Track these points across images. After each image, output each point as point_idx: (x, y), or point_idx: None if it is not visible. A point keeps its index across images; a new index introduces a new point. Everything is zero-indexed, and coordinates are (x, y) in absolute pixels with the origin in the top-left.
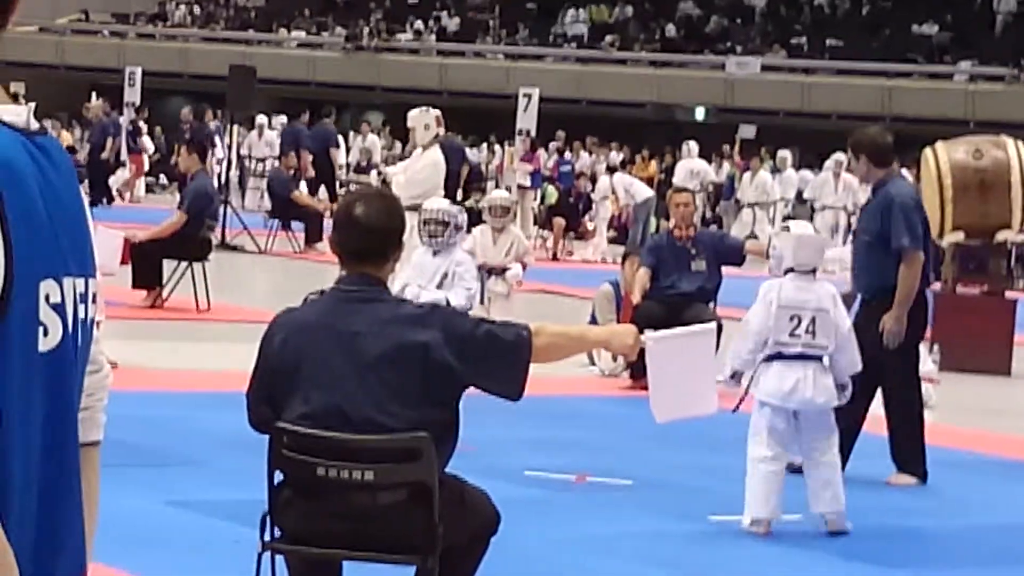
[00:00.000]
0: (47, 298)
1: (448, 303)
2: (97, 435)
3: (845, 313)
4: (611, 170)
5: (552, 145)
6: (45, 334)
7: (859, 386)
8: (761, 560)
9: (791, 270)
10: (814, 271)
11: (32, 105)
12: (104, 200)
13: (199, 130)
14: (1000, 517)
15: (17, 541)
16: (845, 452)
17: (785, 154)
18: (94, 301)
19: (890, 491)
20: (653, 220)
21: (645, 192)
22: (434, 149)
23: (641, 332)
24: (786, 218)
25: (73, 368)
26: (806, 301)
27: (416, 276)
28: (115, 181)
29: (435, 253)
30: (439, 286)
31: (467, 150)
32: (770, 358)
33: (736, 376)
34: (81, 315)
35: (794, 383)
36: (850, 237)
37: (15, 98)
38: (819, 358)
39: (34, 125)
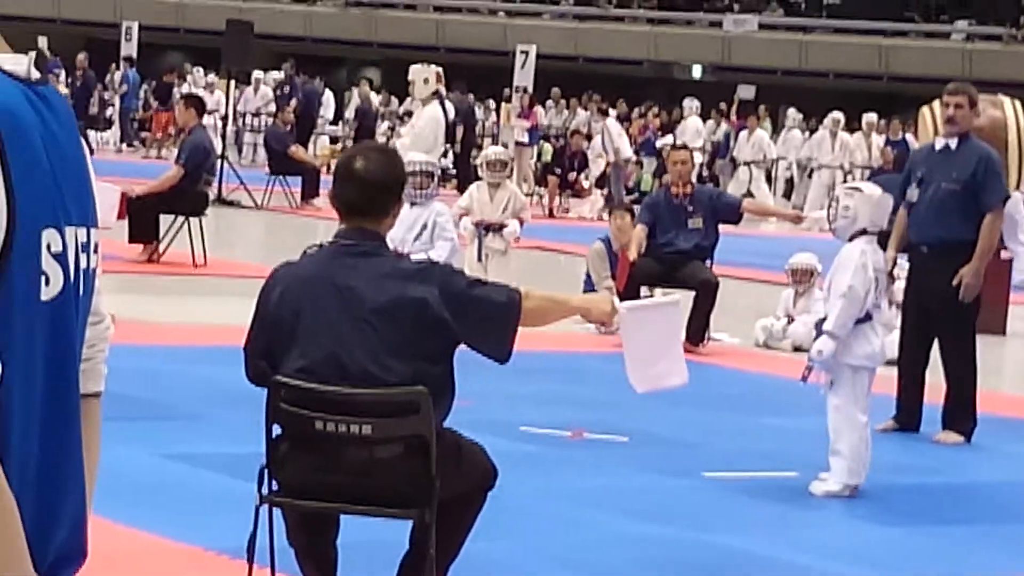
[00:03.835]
0: (49, 247)
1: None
2: (98, 386)
3: None
4: (603, 113)
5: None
6: (47, 283)
7: (918, 340)
8: (756, 517)
9: (863, 232)
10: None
11: (32, 54)
12: None
13: (91, 78)
14: (1008, 475)
15: (19, 487)
16: (916, 408)
17: (793, 112)
18: (96, 251)
19: (893, 448)
20: (648, 178)
21: (628, 151)
22: (433, 104)
23: (638, 289)
24: (788, 181)
25: (74, 317)
26: (879, 262)
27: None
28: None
29: (412, 204)
30: (418, 237)
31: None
32: (857, 322)
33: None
34: (83, 264)
35: (880, 343)
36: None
37: (39, 52)
38: None
39: (35, 75)
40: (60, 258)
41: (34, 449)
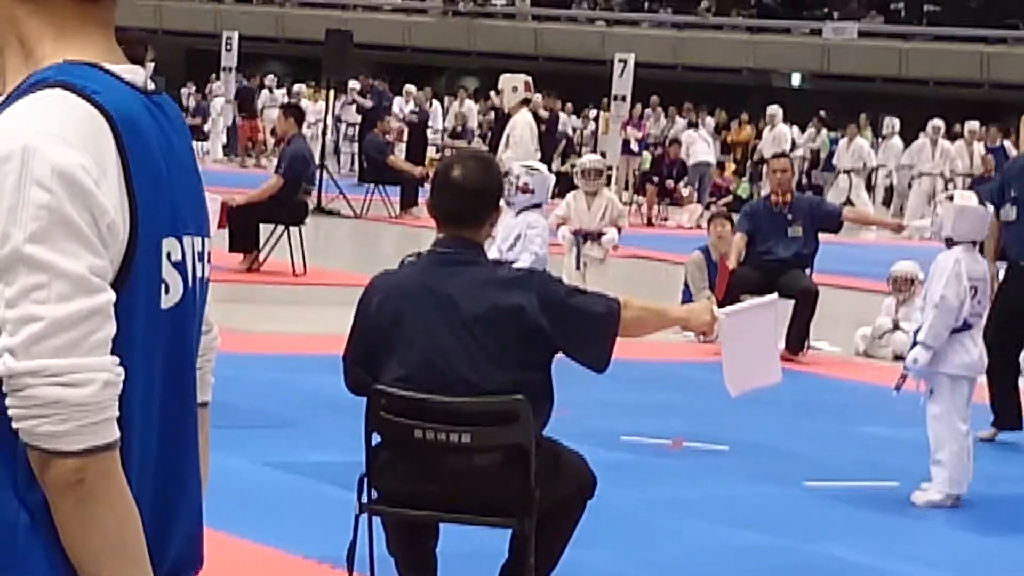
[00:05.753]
0: (169, 256)
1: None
2: (206, 396)
3: None
4: (691, 125)
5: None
6: (167, 291)
7: (1009, 349)
8: (858, 527)
9: (950, 240)
10: (973, 243)
11: (151, 66)
12: None
13: None
14: None
15: (137, 493)
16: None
17: (889, 120)
18: (209, 261)
19: (995, 458)
20: (746, 185)
21: (701, 155)
22: (522, 112)
23: (737, 297)
24: (888, 188)
25: (192, 325)
26: (976, 272)
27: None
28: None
29: (519, 212)
30: (512, 247)
31: (564, 117)
32: (955, 331)
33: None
34: (199, 273)
35: (979, 352)
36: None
37: (142, 63)
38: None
39: (151, 85)
40: (179, 267)
41: (152, 456)
